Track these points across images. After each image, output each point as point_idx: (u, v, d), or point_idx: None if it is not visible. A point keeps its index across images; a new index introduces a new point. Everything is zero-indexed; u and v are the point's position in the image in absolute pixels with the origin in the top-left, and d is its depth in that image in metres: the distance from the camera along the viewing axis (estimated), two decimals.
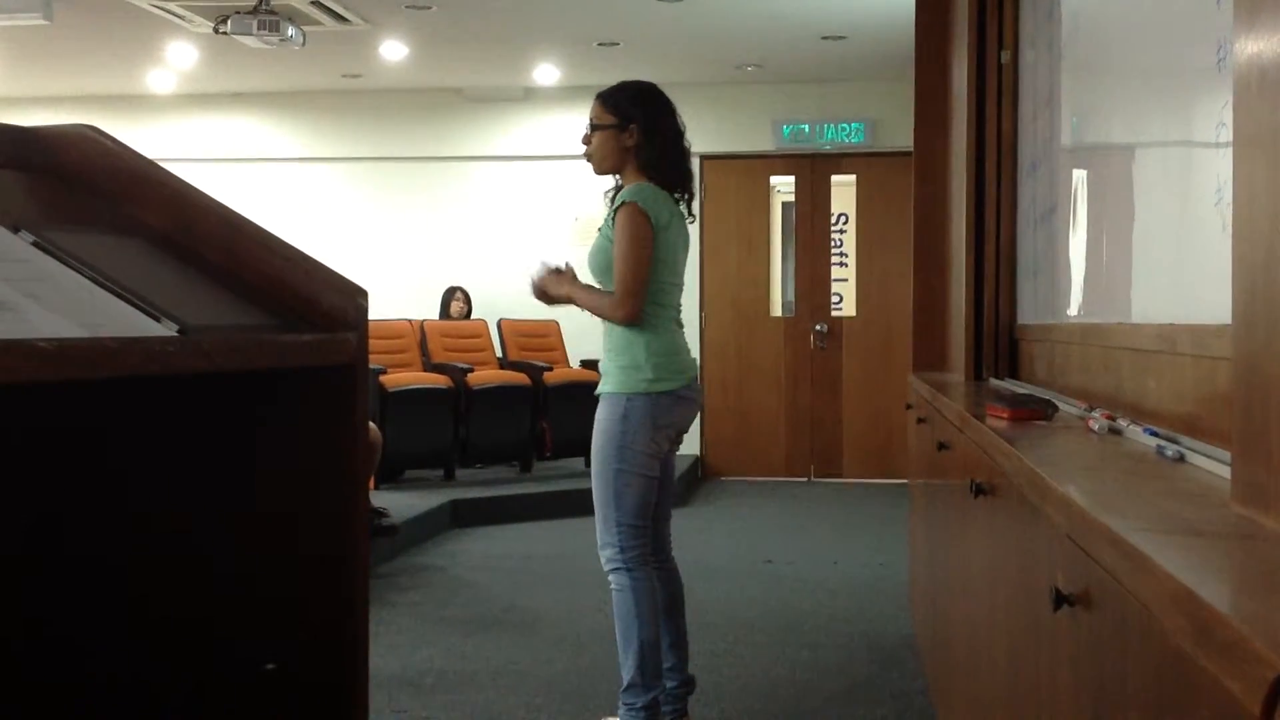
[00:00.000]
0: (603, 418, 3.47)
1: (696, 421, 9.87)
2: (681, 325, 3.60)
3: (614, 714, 3.56)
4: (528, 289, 3.66)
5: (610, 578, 3.47)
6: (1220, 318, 1.67)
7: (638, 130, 3.50)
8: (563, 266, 3.63)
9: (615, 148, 3.52)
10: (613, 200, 3.59)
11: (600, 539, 3.48)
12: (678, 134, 3.57)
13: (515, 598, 5.58)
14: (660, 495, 3.57)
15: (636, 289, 3.42)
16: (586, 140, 3.57)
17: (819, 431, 9.78)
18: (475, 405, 8.18)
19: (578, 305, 3.58)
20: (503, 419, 8.30)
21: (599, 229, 3.59)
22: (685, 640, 3.66)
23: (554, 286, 3.59)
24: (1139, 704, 1.19)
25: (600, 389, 3.53)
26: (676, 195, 3.55)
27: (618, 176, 3.60)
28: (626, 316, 3.42)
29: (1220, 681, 0.89)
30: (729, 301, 9.86)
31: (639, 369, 3.43)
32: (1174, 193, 2.28)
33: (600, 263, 3.51)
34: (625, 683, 3.45)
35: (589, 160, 3.60)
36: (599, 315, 3.50)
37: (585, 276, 3.61)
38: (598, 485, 3.47)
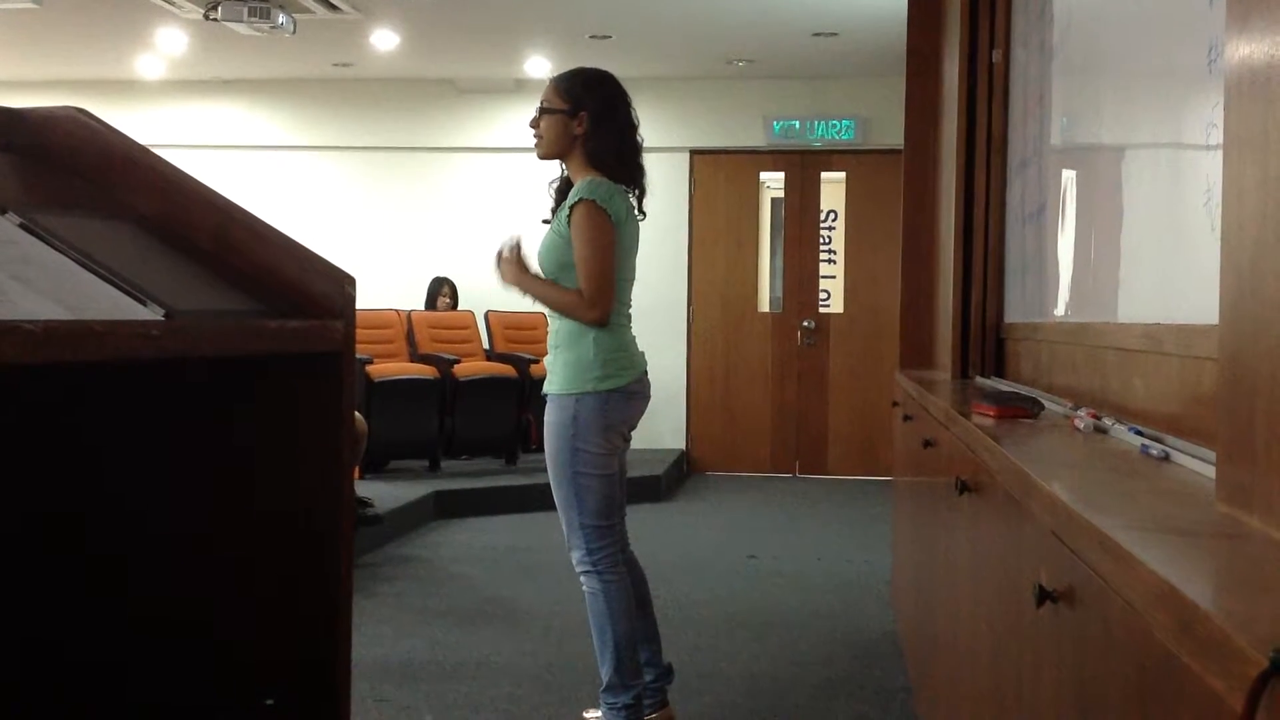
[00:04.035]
0: (552, 420, 3.39)
1: (682, 416, 9.94)
2: (630, 320, 3.50)
3: (596, 707, 3.56)
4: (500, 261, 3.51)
5: (581, 580, 3.43)
6: (1207, 318, 1.68)
7: (588, 118, 3.41)
8: (518, 249, 3.49)
9: (563, 134, 3.42)
10: (558, 192, 3.52)
11: (568, 541, 3.44)
12: (630, 126, 3.47)
13: (498, 589, 5.58)
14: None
15: (607, 289, 3.34)
16: (535, 124, 3.47)
17: (805, 428, 9.79)
18: (461, 396, 8.17)
19: (533, 298, 3.47)
20: (488, 411, 8.30)
21: (550, 226, 3.47)
22: (656, 632, 3.62)
23: (507, 271, 3.47)
24: (1122, 701, 1.20)
25: (547, 388, 3.43)
26: (627, 190, 3.46)
27: (562, 165, 3.52)
28: (600, 318, 3.34)
29: (1203, 679, 0.89)
30: (717, 297, 9.87)
31: (587, 367, 3.34)
32: (1163, 193, 2.29)
33: (553, 260, 3.40)
34: (604, 683, 3.43)
35: (536, 143, 3.49)
36: (564, 313, 3.39)
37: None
38: (557, 490, 3.41)
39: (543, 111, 3.46)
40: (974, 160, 4.45)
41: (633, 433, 3.54)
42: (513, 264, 3.47)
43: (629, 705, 3.41)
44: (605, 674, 3.42)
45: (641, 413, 3.49)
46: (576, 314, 3.37)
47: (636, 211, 3.50)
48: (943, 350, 4.76)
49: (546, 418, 3.42)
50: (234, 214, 1.77)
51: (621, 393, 3.38)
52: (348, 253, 8.51)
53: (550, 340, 3.47)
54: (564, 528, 3.44)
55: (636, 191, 3.50)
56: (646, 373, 3.51)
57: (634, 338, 3.50)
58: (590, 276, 3.33)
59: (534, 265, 3.49)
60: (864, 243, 9.72)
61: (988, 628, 2.16)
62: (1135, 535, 1.20)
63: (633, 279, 3.52)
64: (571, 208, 3.37)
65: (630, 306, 3.51)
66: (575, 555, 3.43)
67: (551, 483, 3.44)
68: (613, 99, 3.46)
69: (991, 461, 2.06)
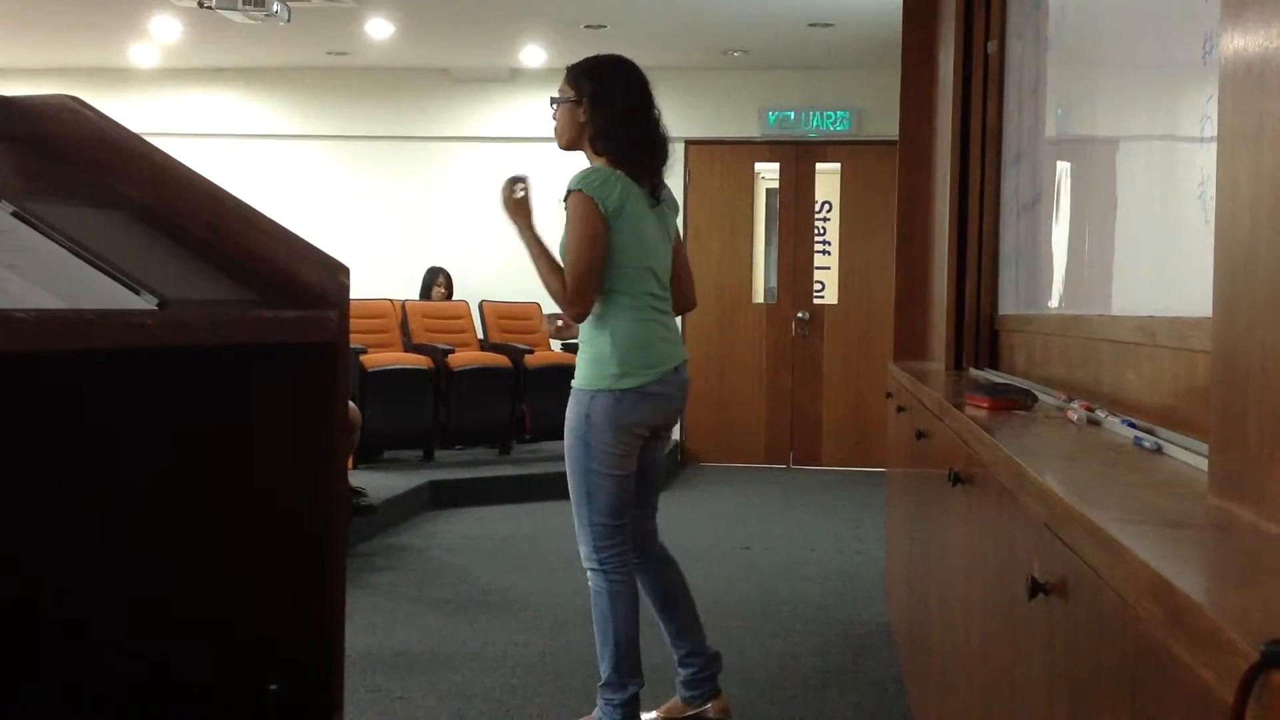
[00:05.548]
0: (570, 414, 3.35)
1: None
2: (662, 311, 3.41)
3: (595, 706, 3.54)
4: (512, 234, 3.46)
5: (587, 576, 3.40)
6: (1200, 311, 1.68)
7: (588, 104, 3.35)
8: (527, 191, 3.42)
9: (572, 122, 3.38)
10: None
11: (577, 535, 3.40)
12: (633, 106, 3.38)
13: (493, 579, 5.58)
14: (643, 488, 3.47)
15: (585, 286, 3.25)
16: (554, 116, 3.43)
17: (799, 419, 9.80)
18: (455, 386, 8.17)
19: (533, 263, 3.37)
20: (483, 401, 8.30)
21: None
22: (695, 623, 3.57)
23: (521, 217, 3.39)
24: (1114, 693, 1.20)
25: (573, 381, 3.40)
26: (640, 172, 3.36)
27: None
28: (577, 316, 3.29)
29: (1195, 671, 0.90)
30: (711, 288, 9.84)
31: (604, 363, 3.29)
32: (1157, 185, 2.29)
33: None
34: (603, 679, 3.42)
35: (556, 137, 3.45)
36: (552, 300, 3.36)
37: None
38: (571, 483, 3.37)
39: (553, 102, 3.43)
40: (969, 152, 4.45)
41: (670, 429, 3.48)
42: (523, 210, 3.41)
43: (625, 704, 3.40)
44: (604, 671, 3.40)
45: (666, 412, 3.40)
46: (557, 302, 3.34)
47: (650, 196, 3.39)
48: (936, 342, 4.77)
49: (567, 411, 3.38)
50: (227, 203, 1.76)
51: (637, 393, 3.30)
52: (342, 242, 8.49)
53: (580, 332, 3.41)
54: (575, 522, 3.40)
55: (652, 172, 3.39)
56: (679, 369, 3.41)
57: (665, 333, 3.40)
58: (569, 270, 3.27)
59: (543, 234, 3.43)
60: (858, 234, 9.72)
61: (980, 619, 2.16)
62: (1127, 527, 1.20)
63: (659, 266, 3.40)
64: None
65: (657, 297, 3.40)
66: (583, 551, 3.39)
67: (567, 475, 3.40)
68: (611, 82, 3.39)
69: (984, 453, 2.07)
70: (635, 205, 3.34)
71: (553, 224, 3.47)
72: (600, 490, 3.33)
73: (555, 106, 3.43)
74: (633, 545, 3.48)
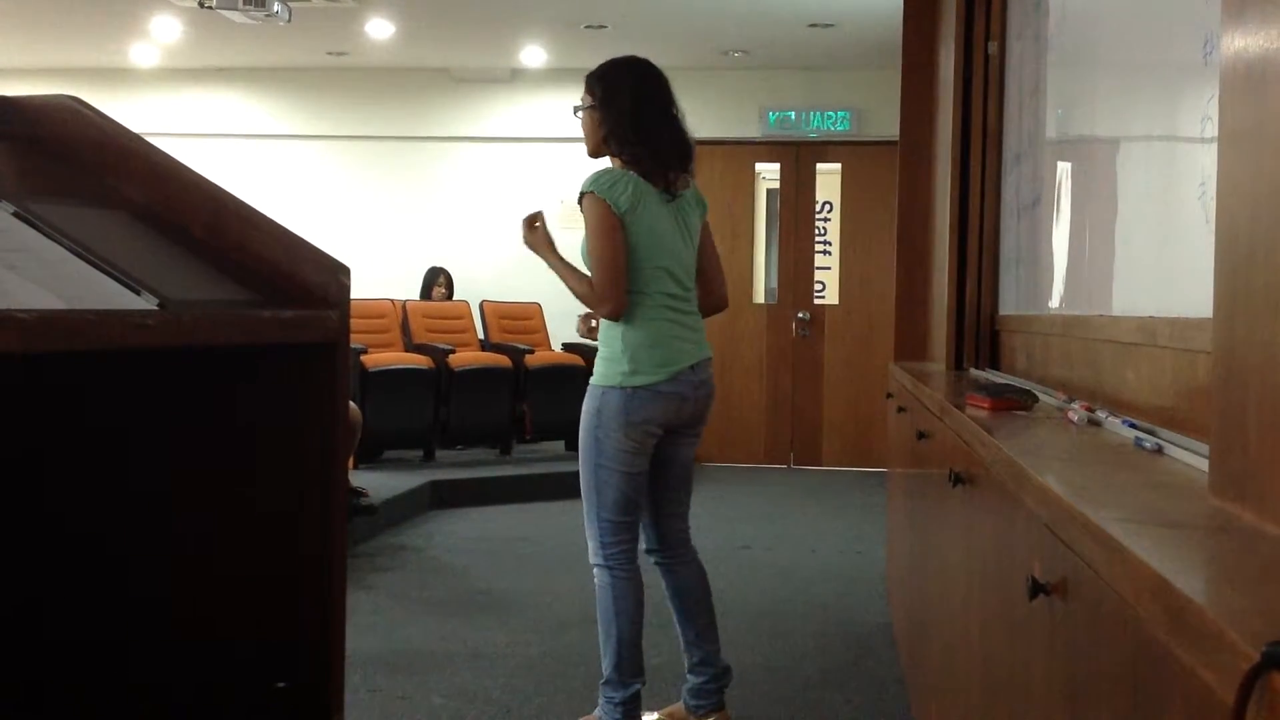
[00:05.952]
0: (584, 409, 3.39)
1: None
2: (680, 310, 3.39)
3: (595, 706, 3.55)
4: (520, 245, 3.58)
5: (594, 571, 3.41)
6: (1200, 311, 1.68)
7: (599, 107, 3.39)
8: (543, 221, 3.55)
9: (593, 128, 3.42)
10: None
11: (586, 531, 3.42)
12: (640, 105, 3.38)
13: (493, 579, 5.59)
14: (671, 487, 3.49)
15: (613, 282, 3.28)
16: (581, 125, 3.50)
17: (799, 419, 9.80)
18: (456, 386, 8.17)
19: (562, 281, 3.46)
20: (483, 401, 8.30)
21: None
22: (712, 633, 3.56)
23: (543, 246, 3.50)
24: (1114, 693, 1.20)
25: (591, 378, 3.44)
26: (652, 170, 3.35)
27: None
28: (611, 312, 3.31)
29: (1195, 671, 0.90)
30: None
31: (616, 361, 3.32)
32: (1157, 186, 2.29)
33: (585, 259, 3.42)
34: (604, 677, 3.42)
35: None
36: (580, 300, 3.42)
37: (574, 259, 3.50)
38: (581, 478, 3.39)
39: (576, 111, 3.49)
40: (969, 152, 4.45)
41: (697, 428, 3.49)
42: (541, 235, 3.51)
43: (625, 702, 3.40)
44: (606, 668, 3.41)
45: (681, 410, 3.39)
46: (589, 305, 3.38)
47: (665, 194, 3.37)
48: (937, 342, 4.77)
49: (583, 405, 3.41)
50: (228, 203, 1.76)
51: (649, 391, 3.31)
52: (342, 242, 8.50)
53: (599, 331, 3.46)
54: (584, 517, 3.42)
55: (668, 169, 3.38)
56: (697, 367, 3.41)
57: (682, 331, 3.39)
58: (595, 270, 3.31)
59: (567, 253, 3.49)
60: (859, 234, 9.72)
61: (981, 620, 2.16)
62: (1128, 528, 1.20)
63: (677, 265, 3.40)
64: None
65: (674, 296, 3.39)
66: (590, 546, 3.40)
67: (579, 470, 3.42)
68: (618, 82, 3.41)
69: (985, 454, 2.07)
70: (648, 204, 3.34)
71: (552, 223, 3.49)
72: (608, 486, 3.34)
73: (579, 115, 3.47)
74: (660, 544, 3.51)
